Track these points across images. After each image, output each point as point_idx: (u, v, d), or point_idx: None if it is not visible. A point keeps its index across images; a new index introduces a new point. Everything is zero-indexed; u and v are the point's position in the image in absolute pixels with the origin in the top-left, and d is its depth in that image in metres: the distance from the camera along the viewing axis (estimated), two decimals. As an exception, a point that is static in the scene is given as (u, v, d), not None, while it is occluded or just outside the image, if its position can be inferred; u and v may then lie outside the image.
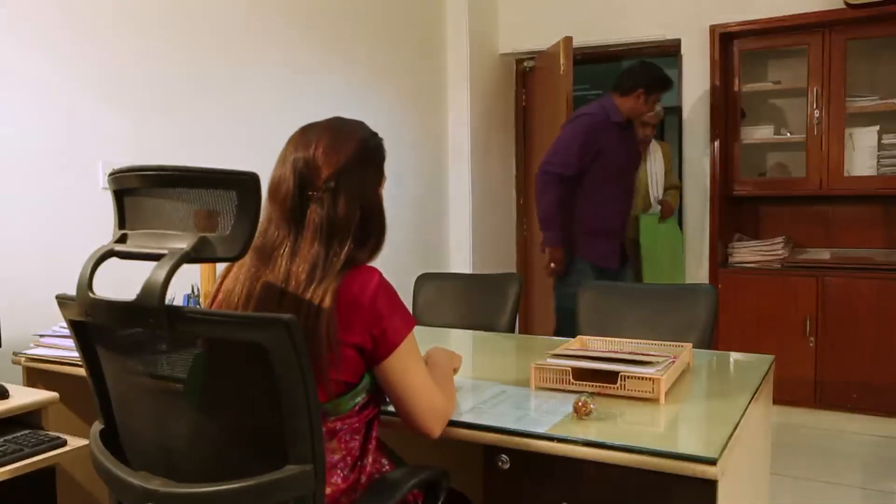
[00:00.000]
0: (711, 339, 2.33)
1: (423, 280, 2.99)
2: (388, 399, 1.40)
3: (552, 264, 3.41)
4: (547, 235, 3.40)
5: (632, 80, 3.40)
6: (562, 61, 4.13)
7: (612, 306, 2.51)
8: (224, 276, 1.40)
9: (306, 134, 1.36)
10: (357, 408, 1.35)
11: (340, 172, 1.31)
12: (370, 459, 1.38)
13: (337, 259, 1.29)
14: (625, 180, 3.54)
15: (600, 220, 3.43)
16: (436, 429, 1.39)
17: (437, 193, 4.50)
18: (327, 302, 1.25)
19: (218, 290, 1.39)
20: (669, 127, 6.02)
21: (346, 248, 1.30)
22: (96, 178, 2.60)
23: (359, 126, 1.41)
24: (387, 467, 1.43)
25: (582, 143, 3.36)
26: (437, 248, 4.50)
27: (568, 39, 4.17)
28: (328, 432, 1.31)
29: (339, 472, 1.33)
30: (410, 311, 2.93)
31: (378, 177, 1.40)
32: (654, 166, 4.24)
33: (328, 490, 1.30)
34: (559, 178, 3.35)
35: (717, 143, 4.05)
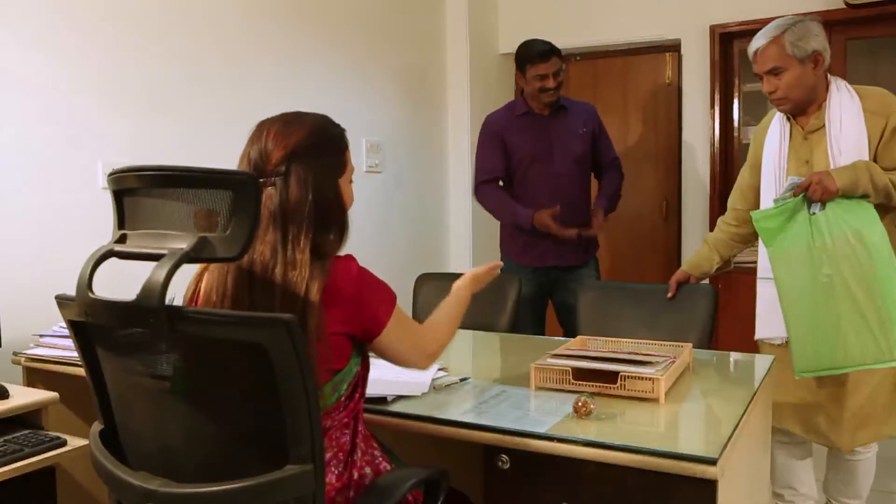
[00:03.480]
0: (711, 339, 2.33)
1: (423, 280, 2.98)
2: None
3: (555, 230, 3.07)
4: (520, 222, 3.18)
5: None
6: (668, 72, 4.12)
7: (612, 306, 2.51)
8: (199, 279, 1.40)
9: (259, 126, 1.38)
10: (343, 398, 1.35)
11: (290, 157, 1.31)
12: (360, 454, 1.38)
13: (298, 244, 1.28)
14: (548, 173, 3.22)
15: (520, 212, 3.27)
16: (430, 364, 1.54)
17: (437, 193, 4.50)
18: (314, 296, 1.25)
19: (197, 293, 1.38)
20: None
21: (305, 234, 1.29)
22: (96, 178, 2.60)
23: (316, 116, 1.41)
24: (379, 458, 1.43)
25: (488, 145, 3.29)
26: (437, 248, 4.49)
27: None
28: None
29: (332, 469, 1.33)
30: (410, 311, 2.93)
31: (336, 166, 1.38)
32: (841, 127, 2.20)
33: (323, 490, 1.30)
34: (490, 184, 3.28)
35: (716, 143, 4.05)
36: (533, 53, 3.14)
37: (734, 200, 2.52)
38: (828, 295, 2.09)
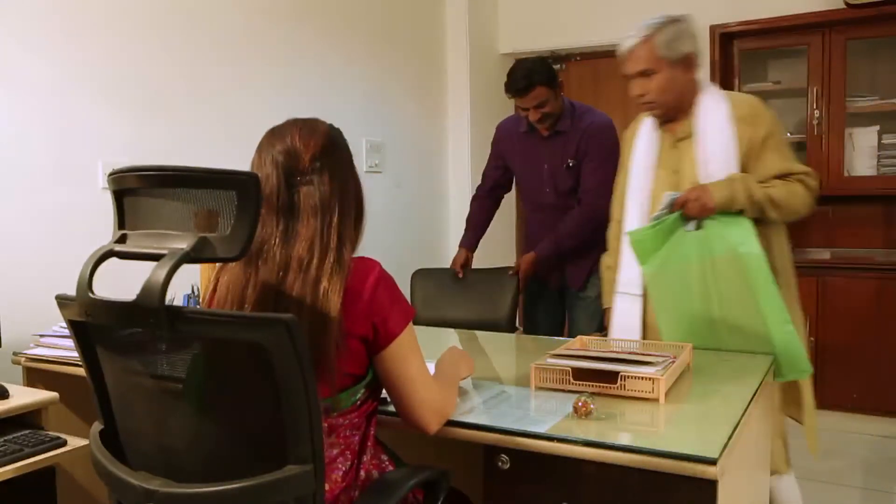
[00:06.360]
0: None
1: (421, 276, 2.97)
2: (385, 392, 1.40)
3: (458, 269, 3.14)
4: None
5: None
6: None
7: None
8: (215, 284, 1.39)
9: (274, 133, 1.38)
10: (358, 402, 1.36)
11: (322, 153, 1.34)
12: (369, 456, 1.38)
13: (330, 232, 1.30)
14: (541, 199, 3.10)
15: (526, 234, 3.25)
16: (432, 423, 1.39)
17: (437, 193, 4.50)
18: (334, 295, 1.26)
19: (211, 299, 1.39)
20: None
21: (335, 222, 1.31)
22: (96, 178, 2.60)
23: (320, 119, 1.44)
24: (386, 463, 1.44)
25: (492, 158, 3.24)
26: (437, 248, 4.49)
27: None
28: (329, 428, 1.32)
29: (339, 467, 1.33)
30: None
31: (350, 158, 1.42)
32: (709, 134, 2.09)
33: (326, 487, 1.30)
34: (479, 196, 3.28)
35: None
36: (509, 88, 2.87)
37: (616, 211, 2.34)
38: (707, 315, 1.99)
